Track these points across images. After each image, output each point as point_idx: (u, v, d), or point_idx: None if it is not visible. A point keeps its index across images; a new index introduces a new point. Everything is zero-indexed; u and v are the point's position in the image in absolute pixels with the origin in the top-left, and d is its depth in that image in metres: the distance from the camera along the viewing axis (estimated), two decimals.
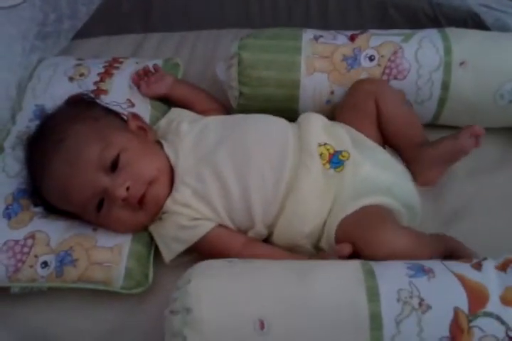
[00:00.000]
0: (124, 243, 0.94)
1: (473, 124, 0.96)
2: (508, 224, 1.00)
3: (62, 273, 0.91)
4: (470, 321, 0.70)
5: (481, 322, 0.70)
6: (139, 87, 1.14)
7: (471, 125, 0.96)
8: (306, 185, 0.92)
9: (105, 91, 1.12)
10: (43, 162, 0.93)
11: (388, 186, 0.94)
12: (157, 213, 0.95)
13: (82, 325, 0.91)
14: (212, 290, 0.74)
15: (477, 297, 0.71)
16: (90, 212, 0.92)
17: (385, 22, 1.30)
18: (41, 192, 0.96)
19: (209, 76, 1.19)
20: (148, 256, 0.96)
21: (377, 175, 0.94)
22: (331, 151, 0.95)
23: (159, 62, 1.21)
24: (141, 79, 1.14)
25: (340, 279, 0.75)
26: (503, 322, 0.69)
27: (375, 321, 0.70)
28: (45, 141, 0.95)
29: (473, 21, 1.24)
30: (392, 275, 0.75)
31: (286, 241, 0.94)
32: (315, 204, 0.92)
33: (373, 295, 0.72)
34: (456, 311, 0.70)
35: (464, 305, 0.70)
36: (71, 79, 1.15)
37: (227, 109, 1.14)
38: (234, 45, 1.09)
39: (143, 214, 0.93)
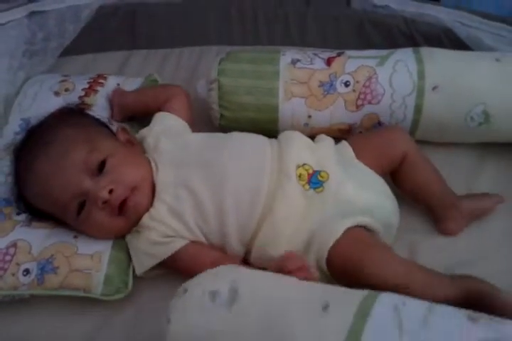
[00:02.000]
0: (105, 250, 0.96)
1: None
2: (488, 242, 1.02)
3: (43, 280, 0.92)
4: None
5: None
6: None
7: (498, 195, 1.04)
8: (282, 208, 0.91)
9: (89, 106, 1.15)
10: (30, 160, 0.95)
11: (369, 206, 0.94)
12: (135, 222, 0.95)
13: (61, 332, 0.93)
14: None
15: None
16: (70, 214, 0.93)
17: (362, 38, 1.34)
18: (25, 191, 0.97)
19: (192, 92, 1.21)
20: (128, 264, 0.97)
21: (359, 196, 0.94)
22: (310, 171, 0.94)
23: (140, 80, 1.24)
24: None
25: None
26: None
27: None
28: (34, 141, 0.97)
29: (447, 37, 1.27)
30: None
31: (264, 262, 0.92)
32: (291, 227, 0.92)
33: None
34: None
35: None
36: (56, 93, 1.18)
37: (185, 93, 1.14)
38: (214, 69, 1.12)
39: (121, 220, 0.94)
